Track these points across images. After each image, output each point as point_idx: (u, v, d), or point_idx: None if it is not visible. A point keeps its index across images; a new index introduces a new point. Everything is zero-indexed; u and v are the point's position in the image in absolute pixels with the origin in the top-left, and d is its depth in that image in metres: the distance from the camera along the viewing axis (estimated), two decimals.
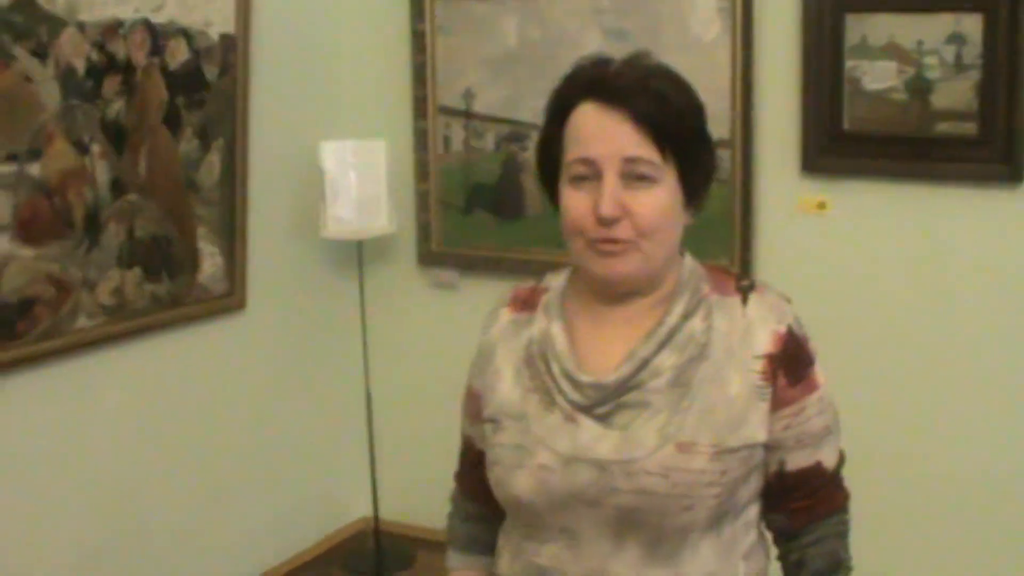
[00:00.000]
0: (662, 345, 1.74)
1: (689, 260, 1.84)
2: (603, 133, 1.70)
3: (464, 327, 4.23)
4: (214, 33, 3.62)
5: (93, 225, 3.29)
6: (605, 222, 1.69)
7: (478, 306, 4.37)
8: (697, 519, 1.69)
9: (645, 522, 1.69)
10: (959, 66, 3.37)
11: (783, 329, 1.77)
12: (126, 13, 3.32)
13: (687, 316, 1.77)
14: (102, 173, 3.30)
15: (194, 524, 3.77)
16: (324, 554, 4.33)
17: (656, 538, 1.70)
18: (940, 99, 3.41)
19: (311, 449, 4.31)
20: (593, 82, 1.74)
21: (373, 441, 4.20)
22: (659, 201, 1.71)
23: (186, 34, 3.52)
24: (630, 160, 1.69)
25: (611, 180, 1.69)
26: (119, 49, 3.31)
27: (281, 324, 4.11)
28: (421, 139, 4.19)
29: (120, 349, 3.45)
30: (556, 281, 1.92)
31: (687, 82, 1.78)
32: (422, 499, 4.35)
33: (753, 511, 1.82)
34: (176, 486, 3.70)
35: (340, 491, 4.47)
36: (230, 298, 3.82)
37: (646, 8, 3.75)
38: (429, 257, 4.28)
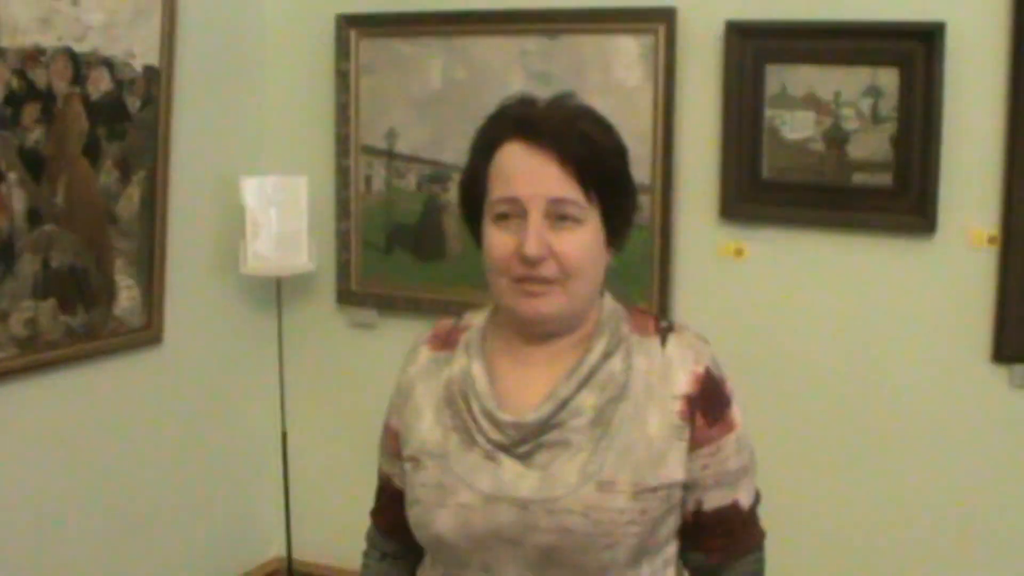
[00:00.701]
0: (582, 384, 1.74)
1: (609, 300, 1.84)
2: (529, 173, 1.70)
3: (382, 367, 4.22)
4: (137, 64, 3.60)
5: (8, 254, 3.24)
6: (530, 262, 1.68)
7: (396, 346, 4.35)
8: (617, 557, 1.68)
9: (566, 560, 1.68)
10: (875, 118, 3.44)
11: (701, 369, 1.77)
12: (48, 41, 3.29)
13: (607, 356, 1.77)
14: (18, 202, 3.25)
15: (108, 560, 3.71)
16: None
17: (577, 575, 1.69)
18: (856, 150, 3.48)
19: (226, 487, 4.26)
20: (520, 121, 1.73)
21: (288, 480, 4.16)
22: (583, 241, 1.71)
23: (109, 64, 3.50)
24: (556, 201, 1.69)
25: (536, 220, 1.68)
26: (40, 77, 3.28)
27: (198, 359, 4.06)
28: (343, 177, 4.18)
29: (33, 381, 3.38)
30: (476, 319, 1.91)
31: (611, 125, 1.79)
32: (337, 539, 4.33)
33: (671, 549, 1.81)
34: (90, 522, 3.63)
35: (255, 530, 4.42)
36: (147, 331, 3.77)
37: (570, 51, 3.78)
38: (348, 296, 4.26)
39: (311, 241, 4.02)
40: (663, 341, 1.80)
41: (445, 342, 1.92)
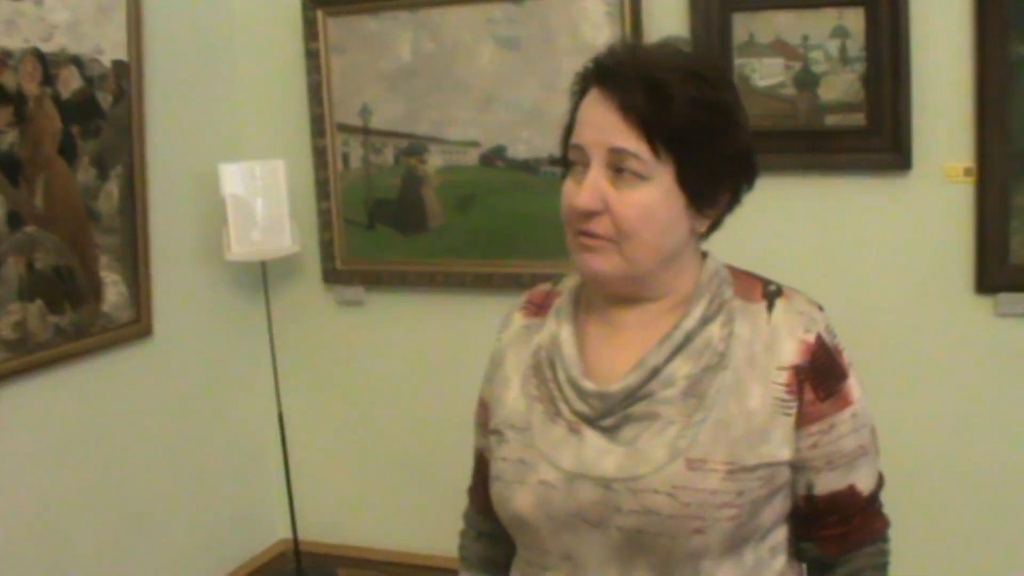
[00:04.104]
0: (676, 352, 1.62)
1: (712, 262, 1.73)
2: (595, 121, 1.59)
3: (372, 342, 4.28)
4: (106, 60, 3.59)
5: None
6: (579, 213, 1.59)
7: (385, 321, 4.41)
8: (710, 544, 1.55)
9: (653, 546, 1.55)
10: (844, 59, 3.45)
11: (811, 338, 1.65)
12: (15, 43, 3.28)
13: (706, 321, 1.64)
14: None
15: (111, 556, 3.72)
16: None
17: (666, 564, 1.57)
18: (827, 92, 3.49)
19: (226, 473, 4.28)
20: (599, 67, 1.63)
21: (288, 461, 4.18)
22: (645, 201, 1.58)
23: (78, 62, 3.49)
24: (615, 152, 1.57)
25: (595, 170, 1.58)
26: (9, 80, 3.27)
27: (189, 349, 4.07)
28: (320, 157, 4.19)
29: (26, 383, 3.38)
30: (572, 283, 1.79)
31: (709, 76, 1.62)
32: (340, 516, 4.36)
33: (781, 534, 1.68)
34: (91, 518, 3.64)
35: (258, 514, 4.45)
36: (136, 326, 3.77)
37: (537, 16, 3.78)
38: (334, 275, 4.27)
39: (293, 223, 4.02)
40: (770, 307, 1.68)
41: (539, 307, 1.82)
